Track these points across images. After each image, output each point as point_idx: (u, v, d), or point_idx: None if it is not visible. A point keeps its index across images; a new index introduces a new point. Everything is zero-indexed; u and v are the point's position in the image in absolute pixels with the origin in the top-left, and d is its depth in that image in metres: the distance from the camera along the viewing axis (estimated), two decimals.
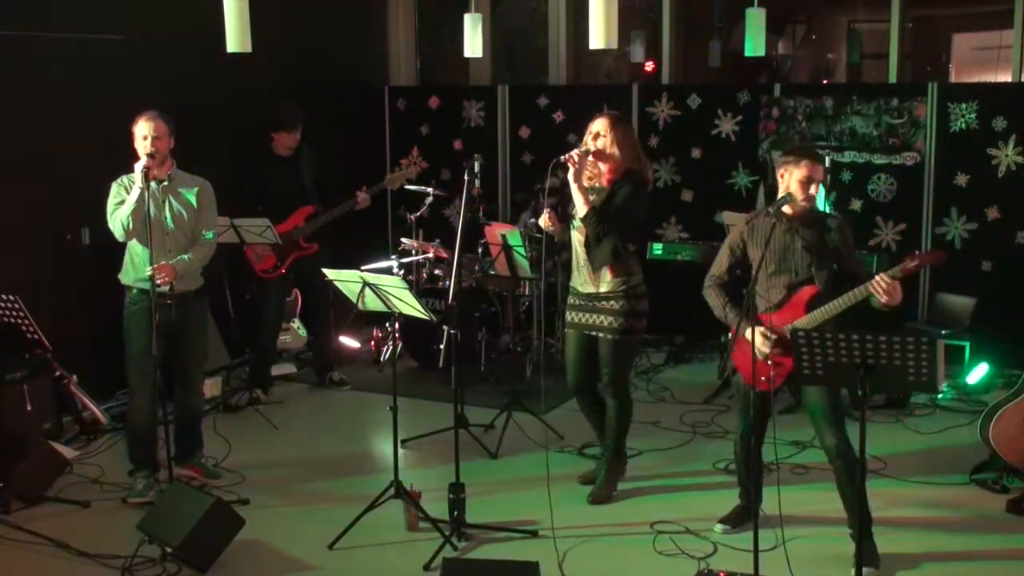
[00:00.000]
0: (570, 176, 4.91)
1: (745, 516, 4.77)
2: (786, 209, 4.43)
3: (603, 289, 5.02)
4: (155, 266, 4.90)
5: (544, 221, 5.12)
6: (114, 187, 5.12)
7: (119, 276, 5.24)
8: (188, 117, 6.53)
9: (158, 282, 4.92)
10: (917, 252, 4.15)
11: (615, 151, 4.94)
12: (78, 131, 6.26)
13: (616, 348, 5.06)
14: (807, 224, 4.43)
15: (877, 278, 4.13)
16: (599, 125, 4.96)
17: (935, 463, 5.62)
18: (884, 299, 4.11)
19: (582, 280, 5.10)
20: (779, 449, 5.03)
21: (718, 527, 4.83)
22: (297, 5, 7.83)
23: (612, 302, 5.01)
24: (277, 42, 6.96)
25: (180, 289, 5.15)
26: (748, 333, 4.20)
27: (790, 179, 4.40)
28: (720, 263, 4.68)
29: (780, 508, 4.33)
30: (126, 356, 5.21)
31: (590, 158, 4.95)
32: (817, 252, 4.41)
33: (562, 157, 4.88)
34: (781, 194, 4.45)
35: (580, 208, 4.92)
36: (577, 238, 5.06)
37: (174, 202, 5.15)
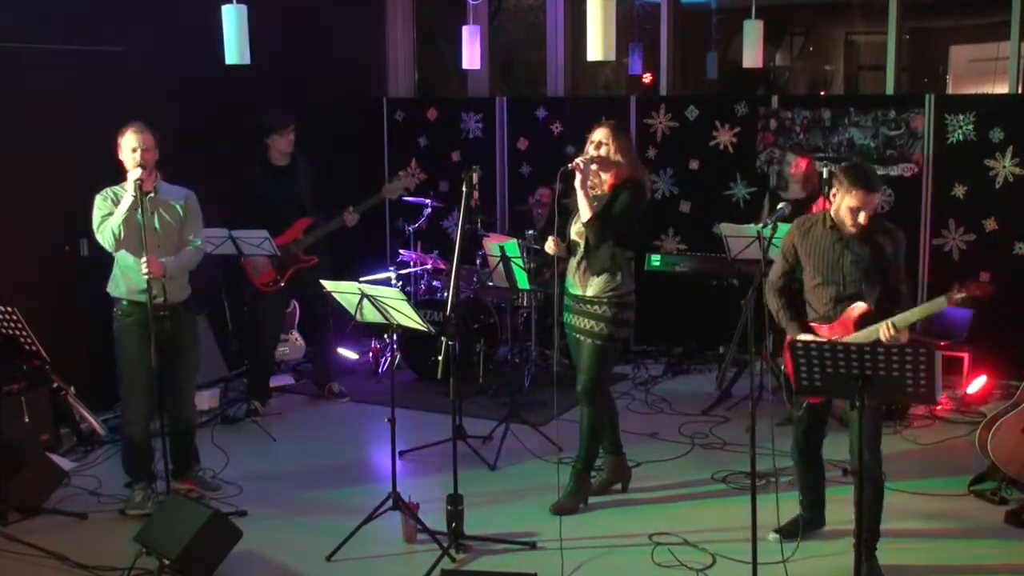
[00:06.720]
0: (577, 183, 4.97)
1: (805, 527, 4.76)
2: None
3: (589, 293, 5.05)
4: (147, 258, 4.91)
5: (550, 247, 5.14)
6: (99, 199, 5.11)
7: (107, 288, 5.23)
8: (186, 129, 6.60)
9: (144, 272, 4.90)
10: (961, 284, 4.17)
11: (618, 159, 5.02)
12: (77, 142, 6.25)
13: (595, 354, 5.07)
14: (861, 239, 4.38)
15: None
16: (600, 134, 5.04)
17: (933, 474, 5.61)
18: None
19: (573, 281, 5.13)
20: (778, 460, 5.02)
21: (771, 536, 4.68)
22: (296, 17, 7.84)
23: (597, 307, 5.04)
24: (276, 54, 6.96)
25: (172, 300, 5.17)
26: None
27: (840, 203, 4.34)
28: (776, 270, 4.63)
29: (779, 520, 4.33)
30: (119, 368, 5.20)
31: (593, 166, 5.01)
32: (867, 268, 4.37)
33: (570, 164, 4.94)
34: (836, 210, 4.38)
35: (585, 214, 4.98)
36: (580, 233, 5.05)
37: (163, 212, 5.16)
